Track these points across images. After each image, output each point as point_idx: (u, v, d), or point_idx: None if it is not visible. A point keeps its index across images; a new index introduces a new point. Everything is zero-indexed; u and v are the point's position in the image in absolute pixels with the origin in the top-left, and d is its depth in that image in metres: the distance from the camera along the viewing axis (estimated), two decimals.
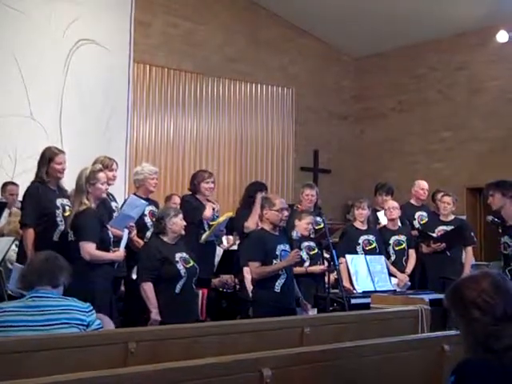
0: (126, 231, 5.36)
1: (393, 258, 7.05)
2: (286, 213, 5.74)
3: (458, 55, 11.45)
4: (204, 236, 6.26)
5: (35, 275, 3.49)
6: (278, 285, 5.49)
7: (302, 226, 6.43)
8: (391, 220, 7.19)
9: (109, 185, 5.52)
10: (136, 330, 3.67)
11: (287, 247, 5.66)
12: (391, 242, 7.12)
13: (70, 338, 3.25)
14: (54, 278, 3.51)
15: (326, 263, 6.06)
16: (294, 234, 5.95)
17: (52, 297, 3.45)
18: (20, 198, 6.83)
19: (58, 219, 5.34)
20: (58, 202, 5.39)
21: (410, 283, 7.01)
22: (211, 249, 6.41)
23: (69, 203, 5.48)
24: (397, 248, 7.11)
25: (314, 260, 6.35)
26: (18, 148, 8.35)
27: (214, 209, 6.52)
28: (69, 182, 5.94)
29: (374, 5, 10.77)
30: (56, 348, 3.10)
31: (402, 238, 7.14)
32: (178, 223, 5.36)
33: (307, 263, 6.34)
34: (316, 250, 6.39)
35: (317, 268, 6.23)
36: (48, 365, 2.97)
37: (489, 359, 2.13)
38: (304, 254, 6.35)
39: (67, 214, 5.36)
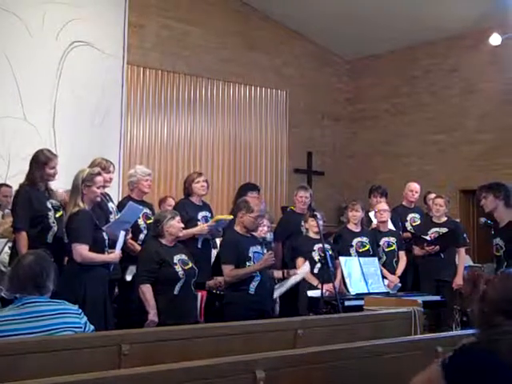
0: (123, 233, 5.35)
1: (383, 259, 7.09)
2: (260, 220, 5.81)
3: (451, 58, 11.48)
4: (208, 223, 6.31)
5: (21, 283, 3.40)
6: (253, 287, 5.54)
7: (311, 224, 6.47)
8: (381, 222, 7.24)
9: (105, 187, 5.52)
10: (129, 332, 3.66)
11: (259, 249, 5.70)
12: (381, 243, 7.16)
13: (64, 340, 3.25)
14: (41, 285, 3.42)
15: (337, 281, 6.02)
16: (268, 236, 5.99)
17: (43, 301, 3.39)
18: None
19: (51, 221, 5.33)
20: (49, 203, 5.38)
21: (400, 284, 7.04)
22: (208, 252, 6.42)
23: (58, 204, 5.48)
24: (387, 249, 7.15)
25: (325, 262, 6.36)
26: (11, 150, 8.32)
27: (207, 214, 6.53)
28: (62, 184, 5.95)
29: (367, 7, 10.79)
30: (49, 350, 3.09)
31: (392, 239, 7.17)
32: (175, 226, 5.39)
33: (319, 264, 6.37)
34: (330, 252, 6.40)
35: (327, 287, 6.12)
36: (41, 367, 2.97)
37: (483, 348, 2.21)
38: (316, 256, 6.39)
39: (58, 215, 5.36)
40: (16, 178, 7.50)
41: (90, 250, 4.93)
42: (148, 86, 10.58)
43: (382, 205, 7.36)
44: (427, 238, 7.19)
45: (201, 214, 6.40)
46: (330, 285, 5.93)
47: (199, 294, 5.64)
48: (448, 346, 3.27)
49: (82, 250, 4.88)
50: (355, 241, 6.88)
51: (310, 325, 4.24)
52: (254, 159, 11.76)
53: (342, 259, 6.50)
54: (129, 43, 9.78)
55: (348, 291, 6.33)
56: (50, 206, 5.37)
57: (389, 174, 11.59)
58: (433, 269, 7.10)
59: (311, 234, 6.57)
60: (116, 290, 5.93)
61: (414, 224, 7.75)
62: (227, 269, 5.57)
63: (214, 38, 11.30)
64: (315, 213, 6.35)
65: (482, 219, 6.45)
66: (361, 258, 6.61)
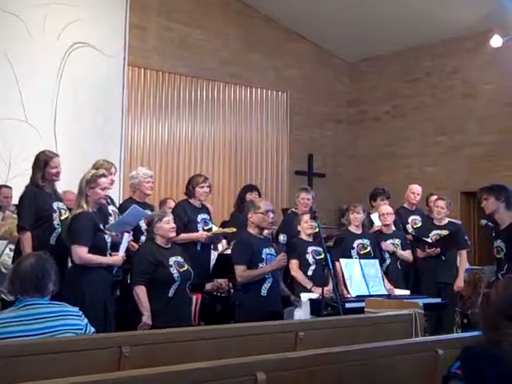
0: (127, 235, 5.33)
1: (388, 261, 7.05)
2: (271, 215, 5.75)
3: (452, 60, 11.49)
4: (213, 231, 6.37)
5: (22, 285, 3.38)
6: (265, 289, 5.49)
7: (304, 226, 6.47)
8: (385, 226, 7.21)
9: (108, 189, 5.52)
10: (130, 334, 3.67)
11: (273, 251, 5.68)
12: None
13: (64, 342, 3.24)
14: (42, 287, 3.40)
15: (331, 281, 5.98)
16: (281, 238, 5.96)
17: (43, 303, 3.38)
18: (14, 201, 6.83)
19: (55, 222, 5.33)
20: (55, 205, 5.39)
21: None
22: (206, 254, 6.42)
23: (64, 207, 5.49)
24: (392, 252, 7.12)
25: (320, 265, 6.34)
26: (12, 152, 8.34)
27: (208, 213, 6.55)
28: (63, 185, 5.96)
29: (368, 9, 10.80)
30: (50, 352, 3.09)
31: (397, 241, 7.14)
32: (163, 227, 5.35)
33: (313, 267, 6.35)
34: (323, 255, 6.38)
35: (320, 290, 6.14)
36: (42, 369, 2.97)
37: (490, 345, 2.28)
38: (310, 259, 6.37)
39: (63, 217, 5.36)
40: (17, 179, 7.54)
41: (91, 252, 4.92)
42: (149, 87, 10.59)
43: (387, 208, 7.32)
44: (428, 240, 7.18)
45: (200, 217, 6.41)
46: (329, 287, 5.92)
47: (194, 297, 5.61)
48: (449, 348, 3.28)
49: (80, 252, 4.87)
50: (356, 243, 6.86)
51: (311, 327, 4.24)
52: (254, 161, 11.76)
53: (342, 261, 6.48)
54: (130, 44, 9.80)
55: (349, 293, 6.32)
56: (55, 207, 5.38)
57: (390, 175, 11.59)
58: (434, 271, 7.08)
59: (304, 237, 6.56)
60: (117, 292, 5.92)
61: (415, 226, 7.73)
62: (240, 269, 5.52)
63: (215, 39, 11.31)
64: (316, 215, 6.34)
65: (483, 221, 6.44)
66: (362, 260, 6.58)
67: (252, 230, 5.68)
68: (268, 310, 5.38)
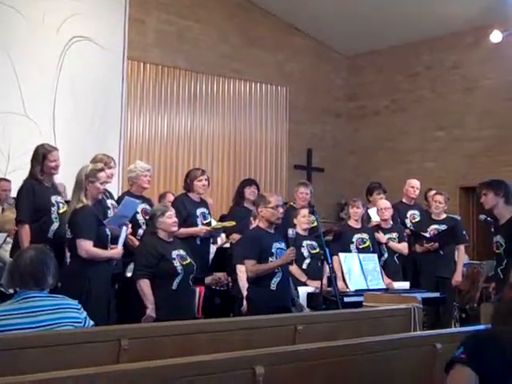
0: (125, 228, 5.35)
1: (385, 255, 7.06)
2: (281, 210, 5.75)
3: (452, 54, 11.47)
4: (212, 225, 6.42)
5: (22, 277, 3.38)
6: (274, 283, 5.47)
7: (301, 220, 6.47)
8: (383, 220, 7.22)
9: (107, 183, 5.52)
10: (129, 327, 3.67)
11: (283, 245, 5.66)
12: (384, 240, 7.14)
13: (63, 335, 3.25)
14: (42, 280, 3.40)
15: (327, 271, 5.98)
16: (290, 232, 5.95)
17: (42, 296, 3.38)
18: (13, 194, 6.83)
19: (53, 216, 5.34)
20: (53, 199, 5.39)
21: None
22: (206, 248, 6.43)
23: (62, 200, 5.49)
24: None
25: (314, 259, 6.36)
26: (11, 145, 8.33)
27: (207, 207, 6.57)
28: (62, 179, 5.96)
29: (368, 3, 10.78)
30: (49, 345, 3.10)
31: (394, 235, 7.15)
32: (166, 222, 5.37)
33: (308, 260, 6.37)
34: (317, 250, 6.39)
35: (315, 283, 6.17)
36: (41, 361, 2.97)
37: (495, 336, 2.34)
38: (305, 252, 6.38)
39: (61, 211, 5.36)
40: (16, 173, 7.53)
41: (94, 245, 4.93)
42: (148, 81, 10.57)
43: (385, 202, 7.33)
44: (427, 235, 7.19)
45: (199, 211, 6.42)
46: (324, 281, 5.93)
47: (197, 290, 5.64)
48: (447, 342, 3.29)
49: (87, 246, 4.88)
50: (356, 237, 6.86)
51: (310, 321, 4.25)
52: (253, 155, 11.76)
53: (341, 255, 6.49)
54: (129, 38, 9.79)
55: (348, 287, 6.33)
56: (53, 201, 5.38)
57: (389, 170, 11.58)
58: (432, 266, 7.09)
59: (299, 230, 6.57)
60: (116, 285, 5.93)
61: (413, 221, 7.73)
62: (249, 264, 5.50)
63: (215, 33, 11.29)
64: (314, 209, 6.35)
65: (482, 216, 6.44)
66: (360, 255, 6.59)
67: (262, 225, 5.66)
68: (277, 304, 5.36)
